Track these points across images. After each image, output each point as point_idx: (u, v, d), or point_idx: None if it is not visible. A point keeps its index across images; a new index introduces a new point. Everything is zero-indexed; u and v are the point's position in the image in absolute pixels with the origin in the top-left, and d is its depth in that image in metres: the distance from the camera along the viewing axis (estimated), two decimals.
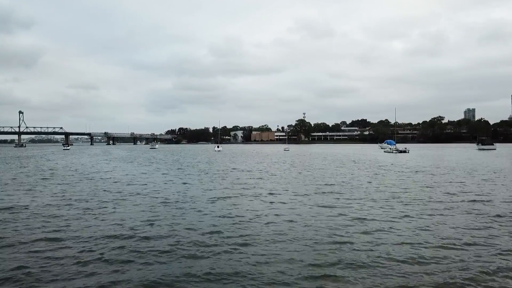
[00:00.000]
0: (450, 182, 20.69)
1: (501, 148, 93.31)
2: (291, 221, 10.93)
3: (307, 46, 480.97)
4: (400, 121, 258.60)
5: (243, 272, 6.90)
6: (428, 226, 10.11)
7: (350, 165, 35.72)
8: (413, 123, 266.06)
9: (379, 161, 42.69)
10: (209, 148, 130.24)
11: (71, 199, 15.34)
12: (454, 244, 8.46)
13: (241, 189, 18.13)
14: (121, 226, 10.35)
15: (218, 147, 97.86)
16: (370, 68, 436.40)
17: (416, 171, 27.87)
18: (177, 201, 14.53)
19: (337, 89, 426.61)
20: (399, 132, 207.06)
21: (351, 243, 8.61)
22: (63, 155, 73.71)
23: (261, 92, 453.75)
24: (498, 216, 11.39)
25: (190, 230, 9.89)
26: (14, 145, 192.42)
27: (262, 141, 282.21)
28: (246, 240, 8.92)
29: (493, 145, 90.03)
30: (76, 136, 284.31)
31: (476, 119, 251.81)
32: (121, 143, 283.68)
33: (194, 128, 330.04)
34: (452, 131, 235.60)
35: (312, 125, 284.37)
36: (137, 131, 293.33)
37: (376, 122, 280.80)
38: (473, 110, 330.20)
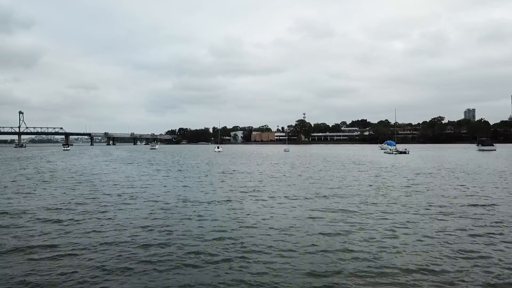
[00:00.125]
0: (451, 185, 20.63)
1: (501, 148, 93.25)
2: (292, 227, 10.86)
3: (307, 46, 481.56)
4: (400, 121, 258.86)
5: (244, 282, 6.84)
6: (430, 233, 10.04)
7: (350, 167, 35.66)
8: (413, 124, 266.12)
9: (379, 163, 42.64)
10: (209, 148, 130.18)
11: (70, 203, 15.28)
12: (458, 252, 8.39)
13: (241, 193, 18.07)
14: (121, 233, 10.29)
15: (218, 147, 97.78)
16: (370, 68, 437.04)
17: (417, 173, 27.80)
18: (177, 206, 14.46)
19: (337, 89, 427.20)
20: (399, 132, 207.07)
21: (352, 250, 8.55)
22: (63, 156, 73.65)
23: (261, 92, 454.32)
24: (501, 222, 11.32)
25: (190, 237, 9.82)
26: (14, 146, 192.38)
27: (262, 142, 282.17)
28: (247, 247, 8.85)
29: (493, 145, 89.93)
30: (76, 136, 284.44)
31: (476, 119, 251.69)
32: (121, 143, 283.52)
33: (194, 128, 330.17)
34: (452, 131, 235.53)
35: (312, 126, 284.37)
36: (137, 131, 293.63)
37: (376, 122, 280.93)
38: (473, 110, 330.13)
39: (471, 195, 16.61)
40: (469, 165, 37.08)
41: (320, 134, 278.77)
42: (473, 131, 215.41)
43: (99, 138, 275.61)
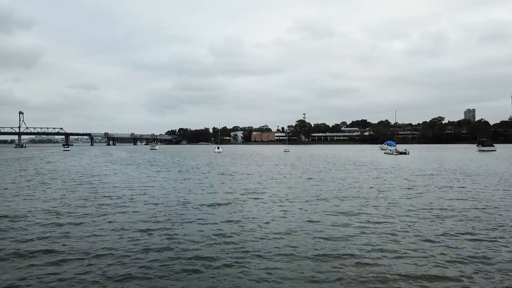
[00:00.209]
0: (451, 187, 20.59)
1: (501, 149, 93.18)
2: (292, 230, 10.82)
3: (307, 46, 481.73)
4: (400, 122, 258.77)
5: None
6: (431, 237, 10.00)
7: (350, 168, 35.62)
8: (413, 124, 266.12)
9: (379, 164, 42.59)
10: (209, 149, 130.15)
11: (70, 205, 15.24)
12: (460, 257, 8.35)
13: (242, 195, 18.02)
14: (121, 236, 10.25)
15: (218, 148, 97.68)
16: (370, 68, 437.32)
17: (417, 175, 27.77)
18: (177, 209, 14.42)
19: (337, 89, 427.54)
20: (399, 132, 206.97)
21: (353, 255, 8.52)
22: (63, 156, 73.62)
23: (261, 92, 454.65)
24: (502, 226, 11.28)
25: (190, 241, 9.78)
26: (14, 146, 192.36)
27: (262, 142, 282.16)
28: (247, 252, 8.82)
29: (493, 146, 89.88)
30: (76, 137, 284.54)
31: (476, 120, 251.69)
32: (121, 144, 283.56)
33: (194, 129, 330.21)
34: (452, 131, 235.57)
35: (312, 126, 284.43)
36: (137, 131, 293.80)
37: (376, 122, 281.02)
38: (473, 110, 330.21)
39: (472, 198, 16.56)
40: (469, 166, 37.05)
41: (320, 134, 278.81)
42: (473, 131, 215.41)
43: (99, 138, 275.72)
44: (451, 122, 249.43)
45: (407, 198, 16.62)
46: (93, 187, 21.34)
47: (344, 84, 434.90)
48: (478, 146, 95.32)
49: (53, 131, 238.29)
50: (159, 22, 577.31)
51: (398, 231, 10.64)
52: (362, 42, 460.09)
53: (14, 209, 14.58)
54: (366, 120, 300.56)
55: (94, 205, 15.21)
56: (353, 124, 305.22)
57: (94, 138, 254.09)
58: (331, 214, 13.18)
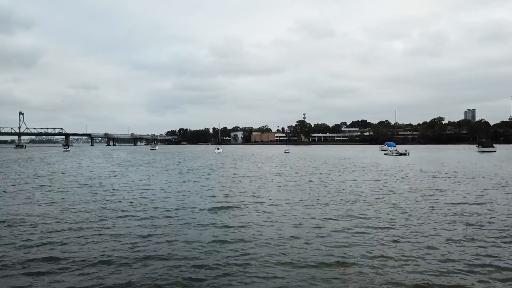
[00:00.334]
0: (452, 190, 20.53)
1: (501, 150, 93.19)
2: (292, 236, 10.76)
3: (307, 46, 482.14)
4: (400, 122, 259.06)
5: None
6: (434, 243, 9.93)
7: (351, 170, 35.56)
8: (413, 124, 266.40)
9: (379, 165, 42.54)
10: (209, 149, 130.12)
11: (70, 210, 15.18)
12: (462, 264, 8.29)
13: (242, 199, 17.96)
14: (121, 243, 10.19)
15: (218, 149, 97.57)
16: (370, 68, 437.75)
17: (417, 178, 27.72)
18: (177, 214, 14.34)
19: (337, 89, 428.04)
20: (399, 133, 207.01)
21: (355, 263, 8.46)
22: (63, 157, 73.57)
23: (261, 92, 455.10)
24: (503, 230, 11.23)
25: (190, 248, 9.72)
26: (14, 146, 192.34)
27: (262, 142, 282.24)
28: (248, 260, 8.76)
29: (494, 147, 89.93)
30: (76, 137, 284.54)
31: (476, 120, 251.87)
32: (121, 144, 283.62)
33: (194, 129, 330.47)
34: (452, 132, 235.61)
35: (312, 126, 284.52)
36: (137, 132, 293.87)
37: (376, 122, 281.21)
38: (473, 110, 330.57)
39: (474, 202, 16.49)
40: (469, 168, 37.00)
41: (320, 134, 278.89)
42: (473, 131, 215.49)
43: (99, 138, 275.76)
44: (451, 122, 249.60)
45: (408, 202, 16.56)
46: (93, 191, 21.28)
47: (344, 84, 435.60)
48: (478, 147, 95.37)
49: (53, 131, 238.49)
50: (159, 22, 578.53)
51: (400, 237, 10.58)
52: (362, 42, 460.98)
53: (13, 213, 14.52)
54: (366, 120, 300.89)
55: (94, 210, 15.15)
56: (353, 124, 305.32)
57: (94, 138, 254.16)
58: (331, 219, 13.13)
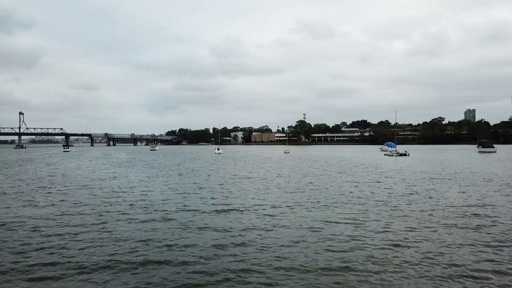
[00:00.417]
0: (453, 192, 20.50)
1: (501, 150, 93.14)
2: (293, 241, 10.72)
3: (308, 46, 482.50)
4: (400, 122, 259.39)
5: None
6: (435, 249, 9.90)
7: (351, 171, 35.52)
8: (413, 124, 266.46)
9: (379, 166, 42.50)
10: (209, 149, 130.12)
11: (69, 213, 15.14)
12: (464, 270, 8.26)
13: (242, 202, 17.91)
14: (120, 247, 10.16)
15: (218, 149, 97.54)
16: (370, 68, 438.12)
17: (418, 179, 27.69)
18: (177, 217, 14.30)
19: (338, 90, 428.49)
20: (400, 133, 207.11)
21: (355, 269, 8.42)
22: (63, 158, 73.52)
23: (261, 93, 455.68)
24: (505, 234, 11.19)
25: (190, 253, 9.68)
26: (14, 146, 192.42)
27: (262, 142, 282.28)
28: (248, 265, 8.73)
29: (494, 147, 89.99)
30: (76, 137, 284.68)
31: (476, 120, 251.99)
32: (121, 144, 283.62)
33: (195, 129, 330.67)
34: (452, 132, 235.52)
35: (313, 126, 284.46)
36: (138, 132, 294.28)
37: (376, 123, 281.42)
38: (474, 110, 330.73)
39: (475, 205, 16.44)
40: (470, 169, 36.97)
41: (320, 135, 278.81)
42: (473, 132, 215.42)
43: (99, 138, 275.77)
44: (451, 122, 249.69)
45: (409, 205, 16.52)
46: (93, 192, 21.25)
47: (345, 84, 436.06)
48: (478, 147, 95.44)
49: (53, 132, 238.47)
50: (159, 22, 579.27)
51: (401, 241, 10.55)
52: (362, 42, 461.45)
53: (13, 216, 14.49)
54: (366, 120, 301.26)
55: (93, 213, 15.11)
56: (353, 124, 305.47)
57: (94, 138, 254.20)
58: (332, 222, 13.10)
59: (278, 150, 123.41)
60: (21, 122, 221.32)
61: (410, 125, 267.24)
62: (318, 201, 17.67)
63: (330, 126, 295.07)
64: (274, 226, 12.66)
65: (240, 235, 11.47)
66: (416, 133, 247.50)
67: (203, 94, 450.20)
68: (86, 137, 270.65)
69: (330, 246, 10.21)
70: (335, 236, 11.20)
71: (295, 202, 17.46)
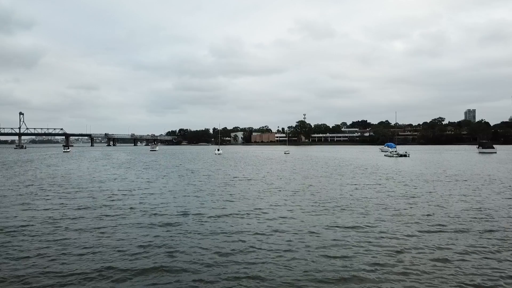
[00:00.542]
0: (454, 195, 20.43)
1: (501, 151, 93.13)
2: (293, 247, 10.63)
3: (308, 46, 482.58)
4: (400, 122, 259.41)
5: None
6: (437, 255, 9.83)
7: (351, 173, 35.46)
8: (413, 124, 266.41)
9: (380, 167, 42.44)
10: (210, 150, 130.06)
11: (69, 217, 15.06)
12: (465, 276, 8.20)
13: (242, 205, 17.84)
14: (120, 253, 10.10)
15: (218, 150, 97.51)
16: (370, 68, 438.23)
17: (418, 181, 27.63)
18: (177, 221, 14.23)
19: (338, 90, 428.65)
20: (400, 133, 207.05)
21: (356, 276, 8.35)
22: (63, 159, 73.44)
23: (261, 93, 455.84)
24: (506, 238, 11.12)
25: (189, 260, 9.60)
26: (14, 147, 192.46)
27: (262, 142, 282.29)
28: (247, 272, 8.66)
29: (494, 148, 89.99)
30: (76, 137, 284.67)
31: (476, 120, 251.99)
32: (122, 144, 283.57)
33: (195, 129, 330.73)
34: (452, 132, 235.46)
35: (313, 126, 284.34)
36: (138, 132, 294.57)
37: (376, 123, 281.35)
38: (474, 111, 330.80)
39: (476, 208, 16.39)
40: (470, 171, 36.90)
41: (321, 135, 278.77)
42: (473, 132, 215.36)
43: (100, 138, 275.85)
44: (452, 122, 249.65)
45: (410, 208, 16.45)
46: (93, 195, 21.17)
47: (345, 84, 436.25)
48: (478, 148, 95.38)
49: (53, 132, 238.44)
50: (159, 22, 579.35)
51: (401, 246, 10.48)
52: (362, 42, 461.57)
53: (12, 220, 14.41)
54: (366, 120, 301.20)
55: (93, 217, 15.04)
56: (354, 124, 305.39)
57: (94, 138, 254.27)
58: (332, 226, 13.04)
59: (278, 150, 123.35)
60: (21, 122, 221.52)
61: (410, 125, 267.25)
62: (319, 205, 17.60)
63: (330, 126, 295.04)
64: (275, 231, 12.59)
65: (240, 240, 11.41)
66: (416, 133, 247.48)
67: (203, 94, 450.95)
68: (86, 137, 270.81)
69: (331, 251, 10.14)
70: (336, 241, 11.13)
71: (295, 206, 17.39)
